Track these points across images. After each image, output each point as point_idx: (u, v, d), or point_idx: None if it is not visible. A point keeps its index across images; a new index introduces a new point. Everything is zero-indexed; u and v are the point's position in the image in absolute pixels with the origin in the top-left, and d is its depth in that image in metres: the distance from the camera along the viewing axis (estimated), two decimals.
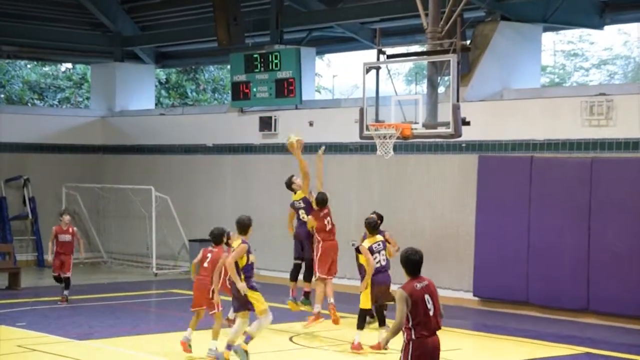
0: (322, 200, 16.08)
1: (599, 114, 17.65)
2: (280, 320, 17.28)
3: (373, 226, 14.77)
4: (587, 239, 17.69)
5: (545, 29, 21.56)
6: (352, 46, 25.84)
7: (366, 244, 14.55)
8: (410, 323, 8.93)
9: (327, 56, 38.08)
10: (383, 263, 14.54)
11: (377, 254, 14.45)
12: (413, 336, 8.95)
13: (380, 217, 16.13)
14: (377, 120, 15.77)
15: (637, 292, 17.07)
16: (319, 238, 16.01)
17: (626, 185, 17.25)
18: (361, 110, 16.04)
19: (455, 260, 19.51)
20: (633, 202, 17.16)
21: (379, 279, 14.37)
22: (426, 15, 15.69)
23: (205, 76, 37.76)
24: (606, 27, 21.42)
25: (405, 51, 17.32)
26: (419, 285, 9.08)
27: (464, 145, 19.40)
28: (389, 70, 16.18)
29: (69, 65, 37.37)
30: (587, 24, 21.58)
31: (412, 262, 9.19)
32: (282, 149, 23.24)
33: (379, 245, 14.61)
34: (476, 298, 19.27)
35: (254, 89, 23.57)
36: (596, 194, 17.58)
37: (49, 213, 26.17)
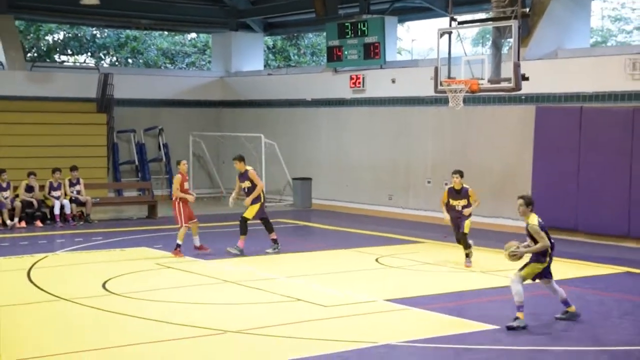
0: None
1: None
2: (369, 244, 17.37)
3: None
4: (629, 178, 17.20)
5: None
6: (429, 15, 25.33)
7: None
8: None
9: (407, 23, 37.46)
10: None
11: None
12: None
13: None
14: (449, 77, 15.49)
15: None
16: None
17: None
18: (436, 69, 15.79)
19: (515, 195, 19.09)
20: None
21: None
22: None
23: (305, 42, 37.59)
24: None
25: (473, 18, 16.91)
26: None
27: (523, 97, 18.95)
28: (459, 35, 15.86)
29: (194, 35, 37.59)
30: None
31: None
32: (369, 101, 23.10)
33: None
34: None
35: (346, 52, 23.37)
36: (638, 139, 17.03)
37: (180, 156, 26.53)
